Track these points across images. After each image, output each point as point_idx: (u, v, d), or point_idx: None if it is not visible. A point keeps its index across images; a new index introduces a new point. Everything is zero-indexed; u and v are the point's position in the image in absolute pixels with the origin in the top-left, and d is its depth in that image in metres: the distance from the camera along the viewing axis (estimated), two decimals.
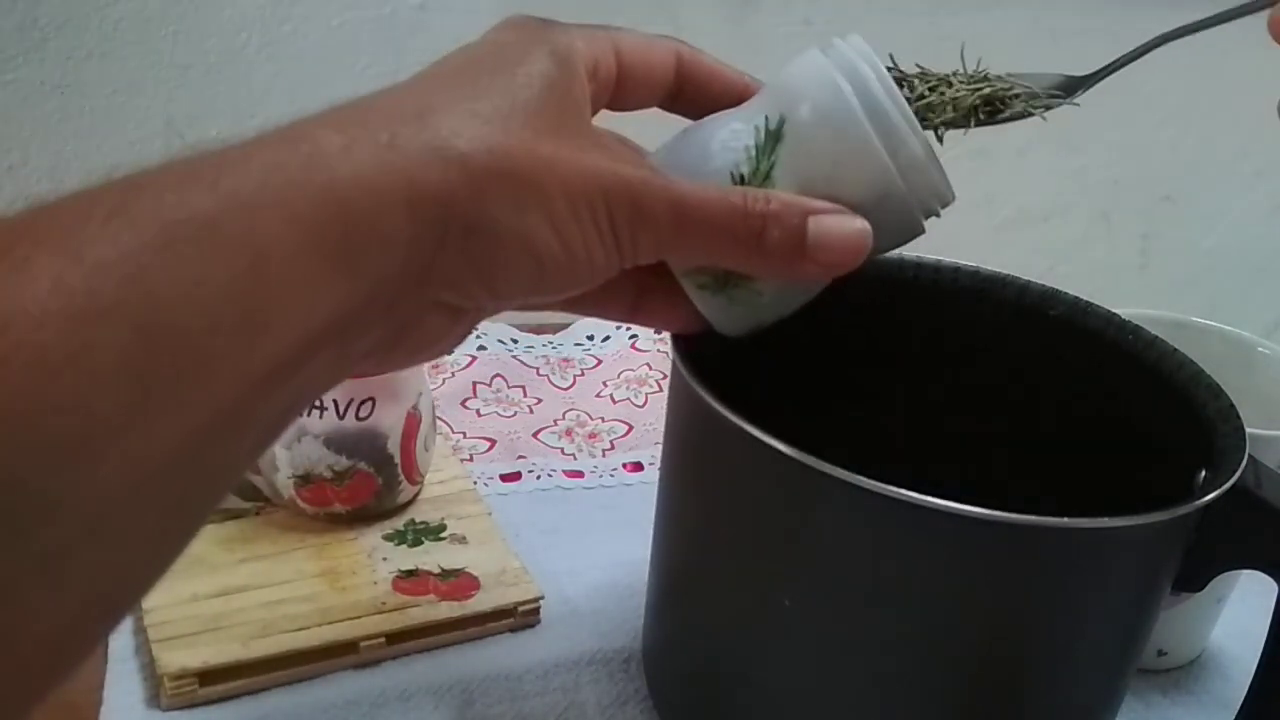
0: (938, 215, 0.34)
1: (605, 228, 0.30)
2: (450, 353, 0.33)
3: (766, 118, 0.33)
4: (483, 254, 0.28)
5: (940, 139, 0.36)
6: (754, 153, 0.33)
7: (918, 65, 0.38)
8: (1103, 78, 0.39)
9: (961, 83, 0.37)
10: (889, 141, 0.32)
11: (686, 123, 0.36)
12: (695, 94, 0.35)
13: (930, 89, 0.36)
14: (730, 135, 0.33)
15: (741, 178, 0.33)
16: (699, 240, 0.32)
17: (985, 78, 0.37)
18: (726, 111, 0.34)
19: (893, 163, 0.32)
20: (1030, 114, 0.37)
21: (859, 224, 0.33)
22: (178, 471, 0.24)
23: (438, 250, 0.27)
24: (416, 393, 0.51)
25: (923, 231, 0.34)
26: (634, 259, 0.31)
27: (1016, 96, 0.37)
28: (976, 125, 0.36)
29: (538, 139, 0.29)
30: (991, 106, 0.37)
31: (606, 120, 0.34)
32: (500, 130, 0.28)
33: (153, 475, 0.23)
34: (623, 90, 0.34)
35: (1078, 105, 0.38)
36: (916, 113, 0.33)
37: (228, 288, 0.24)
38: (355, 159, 0.26)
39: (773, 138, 0.33)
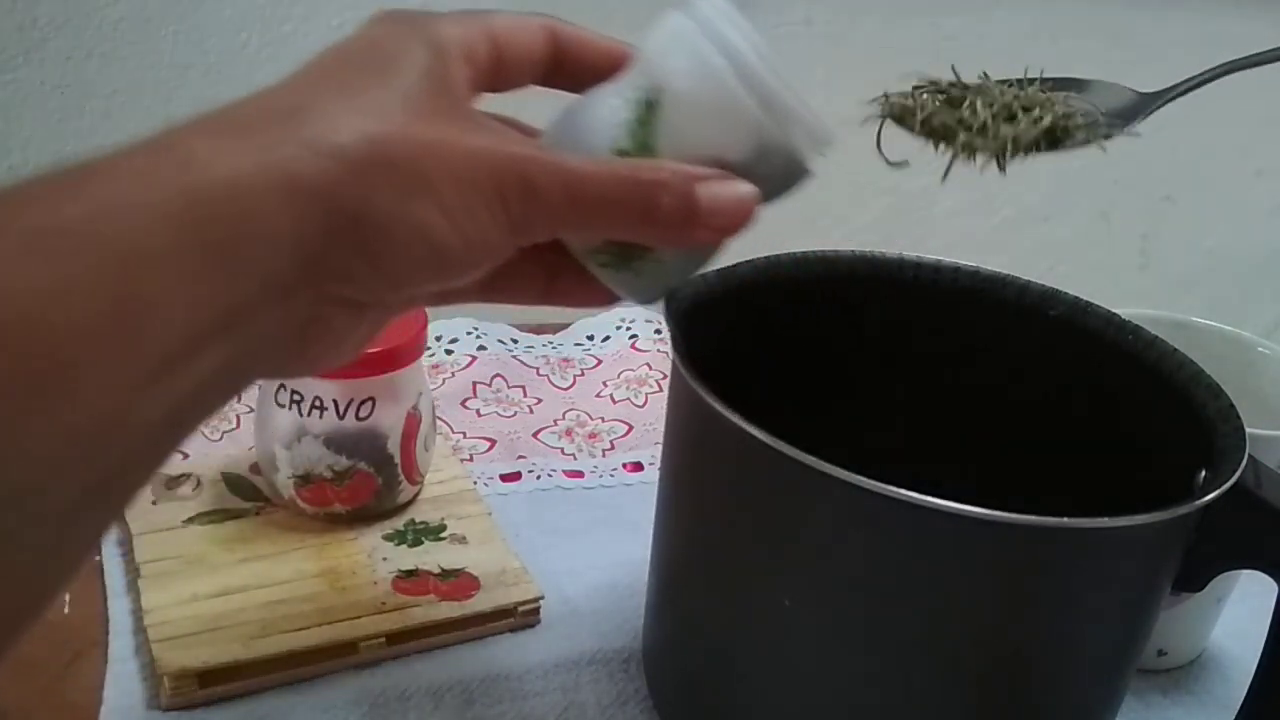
0: (823, 155, 0.35)
1: (496, 208, 0.30)
2: (355, 354, 0.32)
3: (640, 89, 0.33)
4: (374, 245, 0.28)
5: (1003, 169, 0.36)
6: (633, 126, 0.33)
7: (983, 74, 0.37)
8: (1168, 101, 0.38)
9: (1023, 106, 0.36)
10: (760, 97, 0.32)
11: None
12: (573, 67, 0.35)
13: (993, 116, 0.36)
14: (609, 111, 0.33)
15: (624, 151, 0.33)
16: (592, 214, 0.31)
17: (1048, 100, 0.37)
18: (604, 85, 0.34)
19: (767, 117, 0.33)
20: (1090, 143, 0.37)
21: (744, 187, 0.33)
22: (56, 483, 0.23)
23: (326, 244, 0.27)
24: (417, 393, 0.51)
25: (810, 173, 0.34)
26: (529, 237, 0.31)
27: (1079, 127, 0.36)
28: (1037, 153, 0.36)
29: (419, 125, 0.28)
30: (1053, 136, 0.37)
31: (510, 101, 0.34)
32: (378, 120, 0.28)
33: (26, 487, 0.22)
34: (501, 71, 0.33)
35: (1138, 135, 0.37)
36: (974, 145, 0.34)
37: (95, 290, 0.23)
38: (229, 160, 0.26)
39: (648, 109, 0.33)
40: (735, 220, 0.33)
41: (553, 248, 0.34)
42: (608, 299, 0.37)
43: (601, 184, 0.31)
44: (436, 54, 0.31)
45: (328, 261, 0.27)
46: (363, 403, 0.49)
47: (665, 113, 0.33)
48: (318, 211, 0.27)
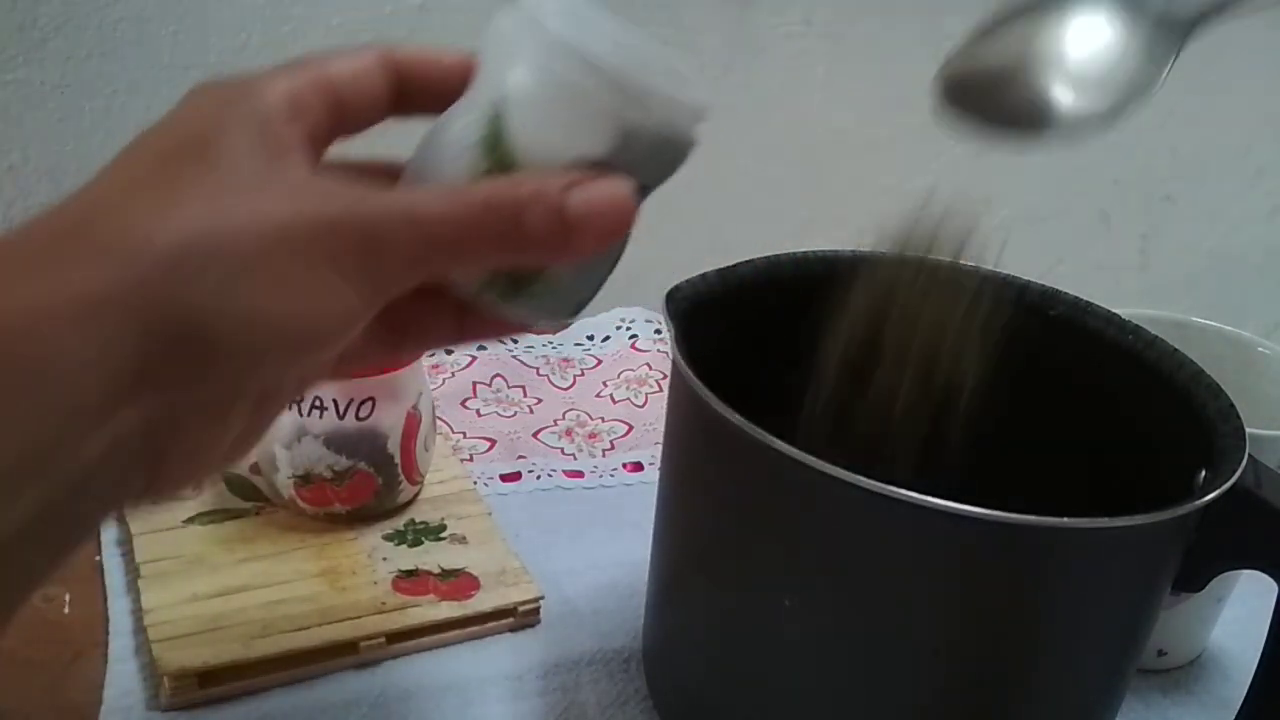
0: (702, 121, 0.32)
1: (339, 272, 0.27)
2: (248, 450, 0.31)
3: (485, 104, 0.31)
4: (200, 344, 0.25)
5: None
6: (488, 144, 0.30)
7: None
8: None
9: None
10: (608, 81, 0.30)
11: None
12: (422, 92, 0.33)
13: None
14: (461, 132, 0.31)
15: (487, 172, 0.30)
16: (457, 252, 0.29)
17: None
18: (455, 105, 0.32)
19: (621, 101, 0.30)
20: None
21: (614, 185, 0.29)
22: None
23: (146, 356, 0.24)
24: (417, 393, 0.51)
25: (693, 144, 0.32)
26: (389, 291, 0.28)
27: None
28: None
29: (233, 204, 0.26)
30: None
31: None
32: (183, 209, 0.25)
33: None
34: (343, 116, 0.31)
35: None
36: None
37: None
38: (21, 292, 0.24)
39: (497, 122, 0.30)
40: (613, 221, 0.30)
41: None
42: (522, 325, 0.35)
43: (456, 218, 0.28)
44: (257, 122, 0.28)
45: (155, 372, 0.25)
46: (363, 402, 0.49)
47: (514, 123, 0.30)
48: (126, 325, 0.24)
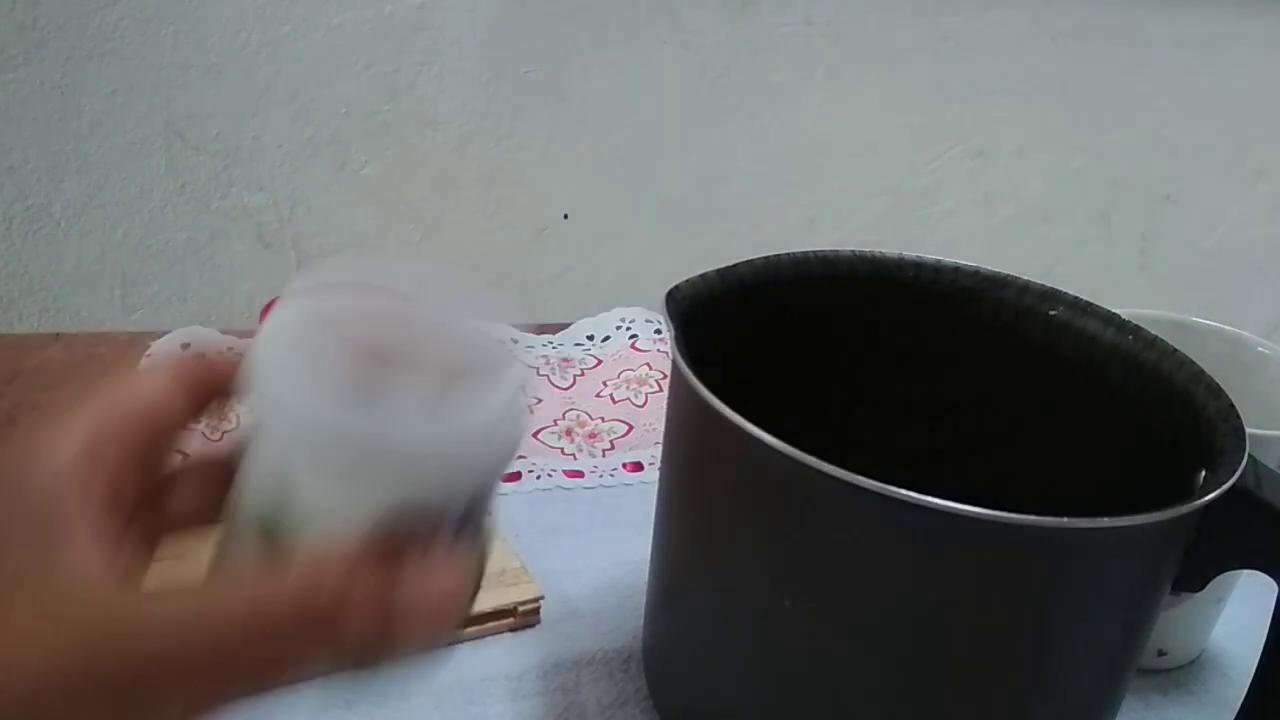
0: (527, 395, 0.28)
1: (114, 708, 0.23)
2: None
3: (263, 463, 0.27)
4: None
5: None
6: (275, 507, 0.26)
7: None
8: None
9: None
10: (379, 447, 0.25)
11: None
12: (221, 392, 0.30)
13: None
14: (251, 484, 0.28)
15: (279, 527, 0.27)
16: (261, 677, 0.25)
17: None
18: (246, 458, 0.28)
19: (400, 461, 0.25)
20: None
21: (445, 574, 0.25)
22: None
23: None
24: None
25: (517, 437, 0.27)
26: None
27: None
28: None
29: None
30: None
31: None
32: None
33: None
34: (151, 443, 0.28)
35: None
36: None
37: None
38: None
39: (272, 490, 0.27)
40: (442, 620, 0.25)
41: None
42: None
43: (259, 632, 0.24)
44: (32, 525, 0.25)
45: None
46: None
47: (295, 491, 0.26)
48: None
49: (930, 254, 0.47)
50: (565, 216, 1.09)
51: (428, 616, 0.25)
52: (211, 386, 0.29)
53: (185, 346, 0.68)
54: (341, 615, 0.24)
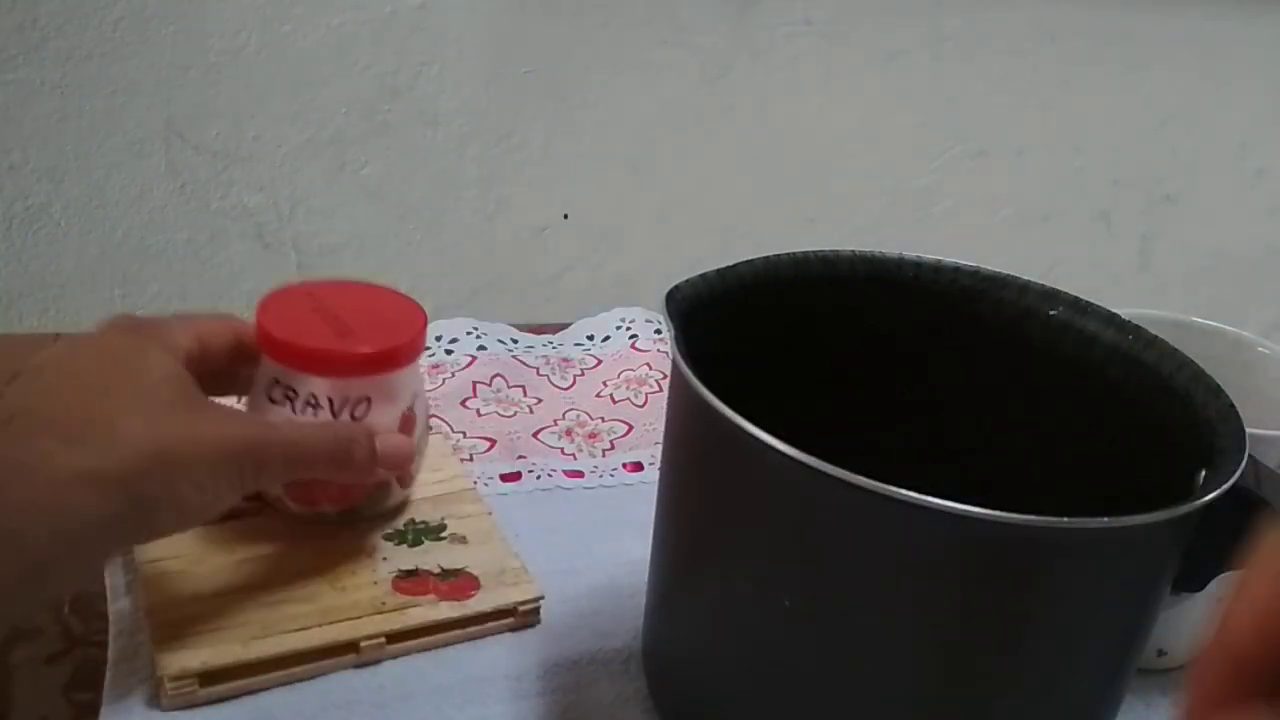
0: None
1: (235, 480, 0.41)
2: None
3: None
4: (148, 516, 0.40)
5: None
6: None
7: None
8: None
9: None
10: None
11: None
12: (249, 363, 0.48)
13: None
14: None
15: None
16: (307, 470, 0.45)
17: None
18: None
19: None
20: None
21: (401, 438, 0.49)
22: None
23: (121, 506, 0.38)
24: (412, 394, 0.51)
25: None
26: (257, 490, 0.44)
27: None
28: None
29: (173, 422, 0.40)
30: None
31: None
32: (145, 421, 0.39)
33: None
34: (203, 365, 0.44)
35: None
36: None
37: None
38: (64, 462, 0.37)
39: None
40: (398, 461, 0.48)
41: None
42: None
43: (315, 448, 0.44)
44: (171, 359, 0.42)
45: (124, 515, 0.38)
46: (358, 403, 0.48)
47: None
48: (118, 492, 0.38)
49: (930, 254, 0.47)
50: (565, 216, 1.09)
51: (392, 454, 0.48)
52: (248, 343, 0.48)
53: None
54: (354, 445, 0.46)
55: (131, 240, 0.97)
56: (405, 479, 0.53)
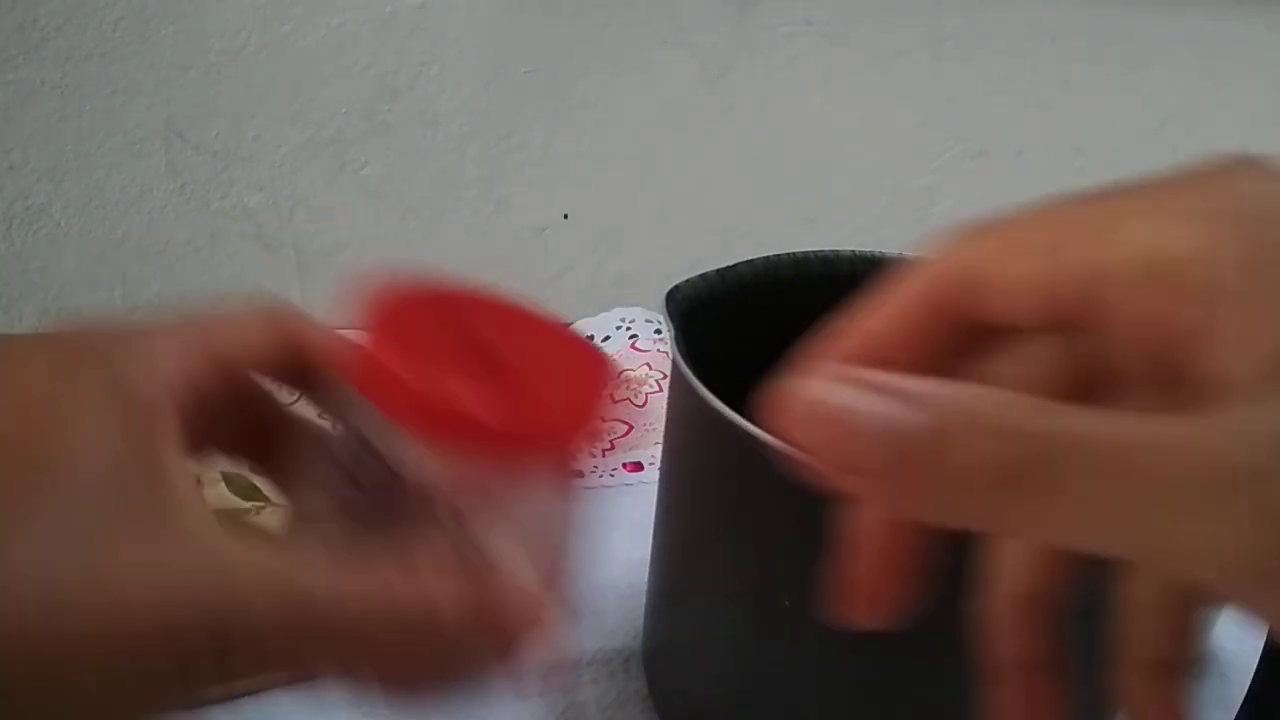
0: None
1: (172, 672, 0.23)
2: None
3: None
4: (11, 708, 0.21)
5: None
6: None
7: None
8: None
9: None
10: None
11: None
12: (312, 372, 0.27)
13: None
14: None
15: None
16: (352, 648, 0.24)
17: None
18: None
19: None
20: None
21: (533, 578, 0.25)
22: None
23: None
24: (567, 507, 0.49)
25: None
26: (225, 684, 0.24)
27: None
28: None
29: (81, 562, 0.20)
30: None
31: None
32: (30, 568, 0.20)
33: None
34: (231, 394, 0.26)
35: None
36: None
37: None
38: None
39: None
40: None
41: None
42: None
43: (361, 608, 0.24)
44: (129, 416, 0.22)
45: None
46: (489, 507, 0.46)
47: None
48: None
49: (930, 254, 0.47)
50: (565, 216, 1.09)
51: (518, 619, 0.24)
52: (303, 357, 0.27)
53: None
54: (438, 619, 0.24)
55: (131, 240, 0.97)
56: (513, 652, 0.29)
